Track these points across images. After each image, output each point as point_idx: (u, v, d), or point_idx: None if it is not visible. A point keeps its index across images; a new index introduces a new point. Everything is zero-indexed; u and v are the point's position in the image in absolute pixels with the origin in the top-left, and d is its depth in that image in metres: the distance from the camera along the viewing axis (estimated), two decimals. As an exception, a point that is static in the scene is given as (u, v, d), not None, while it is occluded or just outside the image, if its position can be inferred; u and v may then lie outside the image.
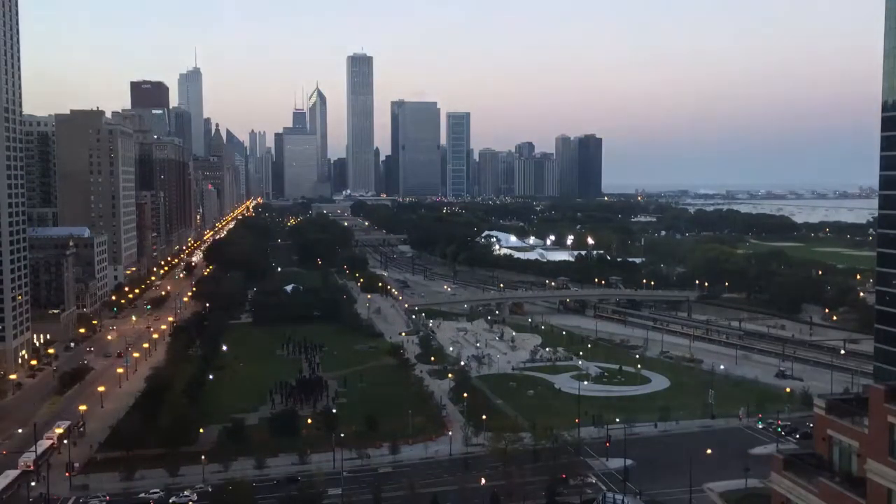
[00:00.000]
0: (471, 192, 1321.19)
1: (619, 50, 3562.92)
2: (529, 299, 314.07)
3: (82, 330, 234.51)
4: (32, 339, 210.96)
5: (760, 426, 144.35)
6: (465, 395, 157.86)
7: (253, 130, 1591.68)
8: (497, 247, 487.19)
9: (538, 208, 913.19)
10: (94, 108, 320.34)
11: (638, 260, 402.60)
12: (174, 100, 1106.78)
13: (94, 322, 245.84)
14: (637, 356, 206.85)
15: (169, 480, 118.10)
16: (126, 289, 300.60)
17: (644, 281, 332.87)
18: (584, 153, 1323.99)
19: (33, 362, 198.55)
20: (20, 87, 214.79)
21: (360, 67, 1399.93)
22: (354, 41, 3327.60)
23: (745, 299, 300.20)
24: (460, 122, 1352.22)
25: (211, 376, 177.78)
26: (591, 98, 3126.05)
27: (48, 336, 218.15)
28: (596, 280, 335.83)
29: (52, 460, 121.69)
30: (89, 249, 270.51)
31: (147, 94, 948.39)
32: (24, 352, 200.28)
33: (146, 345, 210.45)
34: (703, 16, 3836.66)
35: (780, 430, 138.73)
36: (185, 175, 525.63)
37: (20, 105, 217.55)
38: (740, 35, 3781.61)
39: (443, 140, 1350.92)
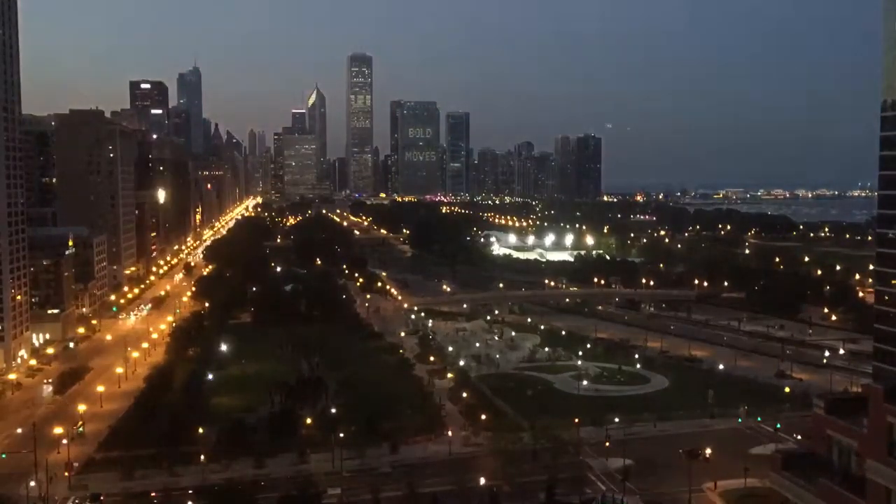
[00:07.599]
0: (470, 192, 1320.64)
1: (620, 49, 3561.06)
2: (529, 299, 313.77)
3: (81, 330, 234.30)
4: (31, 339, 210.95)
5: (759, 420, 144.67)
6: (465, 394, 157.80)
7: (252, 130, 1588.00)
8: (496, 246, 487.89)
9: (537, 208, 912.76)
10: (94, 108, 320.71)
11: (637, 259, 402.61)
12: (173, 100, 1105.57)
13: (94, 322, 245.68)
14: (636, 356, 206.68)
15: (168, 480, 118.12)
16: (125, 288, 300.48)
17: (643, 280, 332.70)
18: (584, 153, 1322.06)
19: (32, 362, 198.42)
20: (19, 87, 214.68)
21: (360, 67, 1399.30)
22: (354, 41, 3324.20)
23: (744, 299, 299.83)
24: (460, 122, 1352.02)
25: (210, 376, 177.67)
26: (591, 98, 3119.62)
27: (47, 336, 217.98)
28: (595, 280, 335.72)
29: (50, 459, 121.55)
30: (88, 249, 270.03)
31: (146, 93, 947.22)
32: (22, 351, 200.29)
33: (146, 344, 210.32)
34: (703, 16, 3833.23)
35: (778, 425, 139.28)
36: (185, 175, 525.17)
37: (19, 104, 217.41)
38: (739, 35, 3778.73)
39: (442, 140, 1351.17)
